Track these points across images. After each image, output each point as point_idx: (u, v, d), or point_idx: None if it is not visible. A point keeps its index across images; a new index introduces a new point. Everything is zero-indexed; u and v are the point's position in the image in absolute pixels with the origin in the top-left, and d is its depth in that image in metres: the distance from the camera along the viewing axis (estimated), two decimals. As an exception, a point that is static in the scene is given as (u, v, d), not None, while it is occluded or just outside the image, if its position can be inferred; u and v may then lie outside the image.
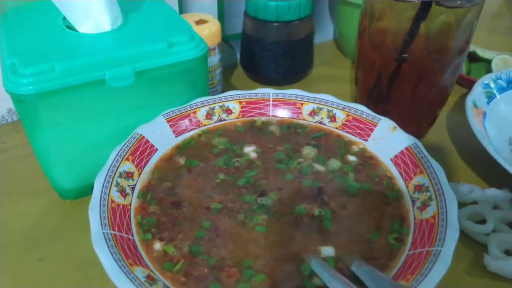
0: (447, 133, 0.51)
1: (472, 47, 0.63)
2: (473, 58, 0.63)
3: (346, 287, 0.24)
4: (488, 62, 0.60)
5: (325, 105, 0.41)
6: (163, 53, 0.37)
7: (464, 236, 0.38)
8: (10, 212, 0.40)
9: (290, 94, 0.42)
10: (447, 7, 0.39)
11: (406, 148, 0.36)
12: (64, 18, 0.41)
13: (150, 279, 0.26)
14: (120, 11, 0.40)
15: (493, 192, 0.40)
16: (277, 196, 0.34)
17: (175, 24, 0.41)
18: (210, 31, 0.50)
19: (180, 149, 0.38)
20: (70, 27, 0.39)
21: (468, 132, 0.43)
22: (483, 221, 0.38)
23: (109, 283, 0.33)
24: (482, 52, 0.62)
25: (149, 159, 0.36)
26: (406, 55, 0.42)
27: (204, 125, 0.40)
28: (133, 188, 0.33)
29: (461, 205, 0.40)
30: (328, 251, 0.30)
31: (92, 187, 0.41)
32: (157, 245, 0.30)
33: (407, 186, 0.34)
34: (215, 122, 0.41)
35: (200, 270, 0.28)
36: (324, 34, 0.73)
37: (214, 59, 0.53)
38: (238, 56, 0.64)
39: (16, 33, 0.39)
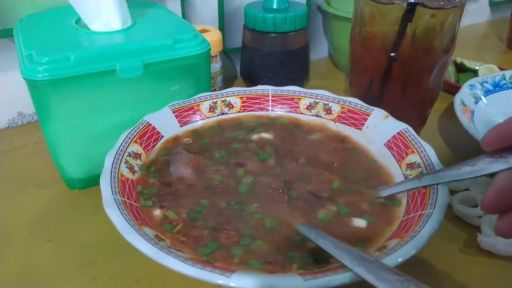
0: (439, 135, 0.54)
1: (459, 59, 0.67)
2: (461, 69, 0.66)
3: (332, 241, 0.26)
4: (475, 71, 0.64)
5: (321, 99, 0.43)
6: (170, 48, 0.40)
7: (458, 220, 0.39)
8: (20, 201, 0.41)
9: (288, 90, 0.44)
10: (431, 8, 0.42)
11: (398, 133, 0.38)
12: (77, 21, 0.44)
13: (158, 238, 0.27)
14: (130, 15, 0.43)
15: (483, 180, 0.42)
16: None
17: (180, 26, 0.44)
18: (212, 39, 0.53)
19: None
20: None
21: (458, 133, 0.46)
22: (475, 206, 0.40)
23: (112, 261, 0.35)
24: (468, 63, 0.65)
25: (155, 144, 0.38)
26: (396, 54, 0.45)
27: (207, 117, 0.42)
28: (140, 167, 0.35)
29: (453, 192, 0.42)
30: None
31: (99, 177, 0.43)
32: (157, 212, 0.31)
33: (399, 166, 0.36)
34: (217, 116, 0.43)
35: (199, 232, 0.29)
36: (320, 52, 0.77)
37: (216, 66, 0.56)
38: (238, 69, 0.68)
39: (32, 33, 0.41)
